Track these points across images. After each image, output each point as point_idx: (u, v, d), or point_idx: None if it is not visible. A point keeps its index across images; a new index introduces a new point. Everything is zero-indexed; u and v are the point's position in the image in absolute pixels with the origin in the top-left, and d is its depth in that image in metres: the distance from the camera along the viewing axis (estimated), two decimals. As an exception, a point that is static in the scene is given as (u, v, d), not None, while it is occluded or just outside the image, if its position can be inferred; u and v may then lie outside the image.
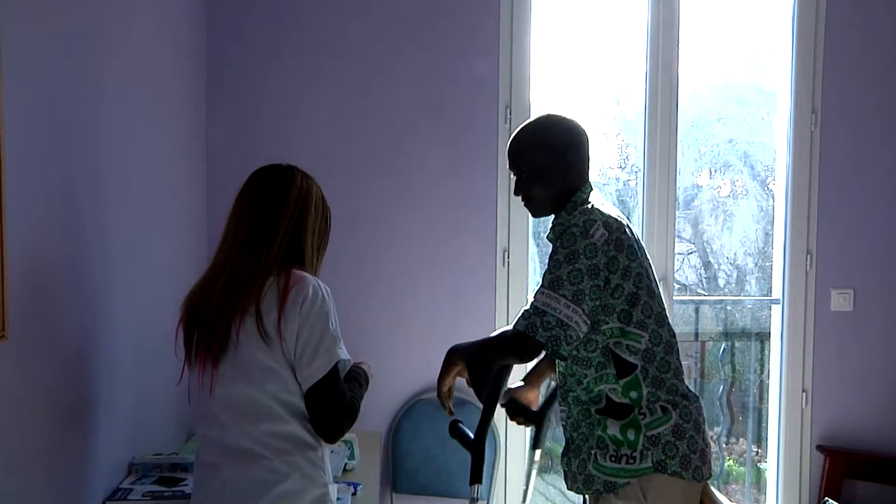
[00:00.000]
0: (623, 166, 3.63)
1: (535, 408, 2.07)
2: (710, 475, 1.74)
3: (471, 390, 1.78)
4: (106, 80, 1.93)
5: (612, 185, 3.61)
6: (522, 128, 1.85)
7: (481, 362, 1.70)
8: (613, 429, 1.70)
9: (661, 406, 1.69)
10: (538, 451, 2.00)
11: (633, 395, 1.69)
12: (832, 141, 3.11)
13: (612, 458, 1.69)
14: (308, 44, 2.95)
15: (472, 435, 1.88)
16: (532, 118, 1.88)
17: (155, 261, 2.32)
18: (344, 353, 1.59)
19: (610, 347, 1.70)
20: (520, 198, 1.85)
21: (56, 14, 1.65)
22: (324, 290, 1.60)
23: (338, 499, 1.82)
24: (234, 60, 2.94)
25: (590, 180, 1.84)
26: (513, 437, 3.07)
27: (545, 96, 3.15)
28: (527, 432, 3.18)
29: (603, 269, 1.65)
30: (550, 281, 1.64)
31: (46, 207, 1.61)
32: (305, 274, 1.60)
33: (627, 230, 1.72)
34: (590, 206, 1.73)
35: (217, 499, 1.56)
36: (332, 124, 2.96)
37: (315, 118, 2.95)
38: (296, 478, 1.55)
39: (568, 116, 1.84)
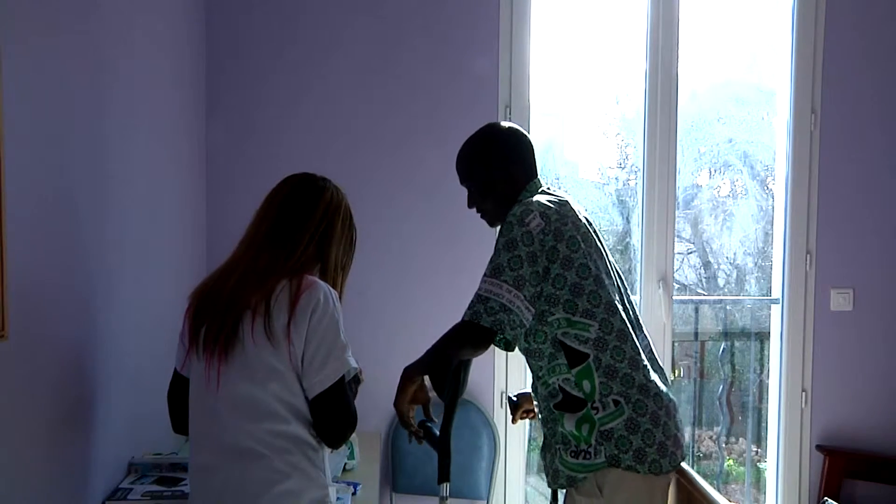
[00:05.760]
0: (623, 166, 3.63)
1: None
2: (675, 466, 1.73)
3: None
4: (105, 80, 1.93)
5: (611, 184, 3.61)
6: (464, 144, 1.90)
7: (439, 364, 1.71)
8: (570, 424, 1.72)
9: (614, 400, 1.69)
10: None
11: (586, 385, 1.70)
12: (832, 141, 3.11)
13: (573, 454, 1.72)
14: (307, 43, 2.95)
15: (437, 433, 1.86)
16: (474, 132, 1.91)
17: (155, 260, 2.32)
18: (353, 362, 1.60)
19: (558, 338, 1.72)
20: (475, 210, 1.91)
21: (55, 15, 1.65)
22: (333, 296, 1.60)
23: (338, 499, 1.82)
24: (234, 61, 2.94)
25: (537, 177, 1.87)
26: (512, 437, 3.07)
27: (545, 96, 3.16)
28: (527, 431, 3.19)
29: (541, 257, 1.68)
30: (492, 269, 1.69)
31: (46, 207, 1.61)
32: (317, 279, 1.60)
33: (570, 221, 1.74)
34: (532, 198, 1.77)
35: (217, 500, 1.55)
36: (331, 124, 2.96)
37: (314, 118, 2.95)
38: (296, 478, 1.54)
39: (505, 124, 1.92)
